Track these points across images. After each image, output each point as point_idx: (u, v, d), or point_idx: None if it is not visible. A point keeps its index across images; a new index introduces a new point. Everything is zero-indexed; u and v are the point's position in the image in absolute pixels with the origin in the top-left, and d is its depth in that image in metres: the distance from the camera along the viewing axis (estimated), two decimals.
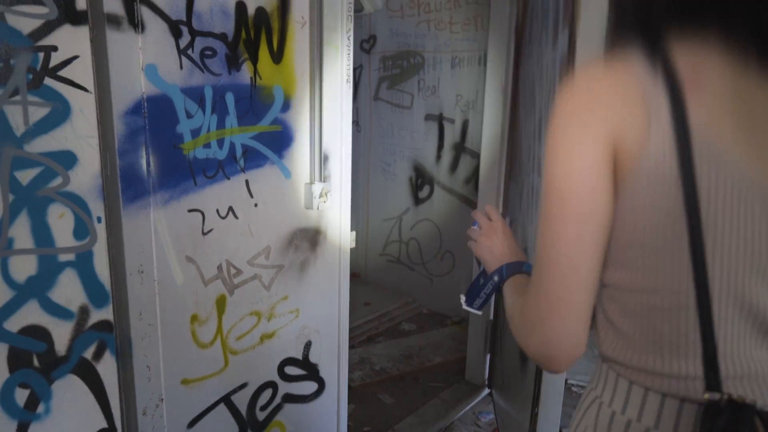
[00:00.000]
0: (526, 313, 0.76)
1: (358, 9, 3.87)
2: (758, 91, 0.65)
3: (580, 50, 1.66)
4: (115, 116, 1.25)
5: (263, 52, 1.56)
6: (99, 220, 1.24)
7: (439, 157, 3.90)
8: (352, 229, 1.98)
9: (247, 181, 1.59)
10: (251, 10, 1.50)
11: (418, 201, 4.08)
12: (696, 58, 0.66)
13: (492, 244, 1.03)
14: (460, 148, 3.78)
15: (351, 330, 3.60)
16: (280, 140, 1.66)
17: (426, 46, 3.83)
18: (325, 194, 1.79)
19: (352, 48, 1.81)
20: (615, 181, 0.68)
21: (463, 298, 1.10)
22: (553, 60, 1.94)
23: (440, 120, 3.84)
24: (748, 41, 0.64)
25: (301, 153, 1.73)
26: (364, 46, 4.18)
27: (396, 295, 4.15)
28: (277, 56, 1.60)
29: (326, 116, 1.76)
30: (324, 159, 1.79)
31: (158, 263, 1.40)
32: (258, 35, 1.54)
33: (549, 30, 2.03)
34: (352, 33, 1.79)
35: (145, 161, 1.33)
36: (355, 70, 4.25)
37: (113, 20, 1.21)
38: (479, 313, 1.11)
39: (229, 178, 1.54)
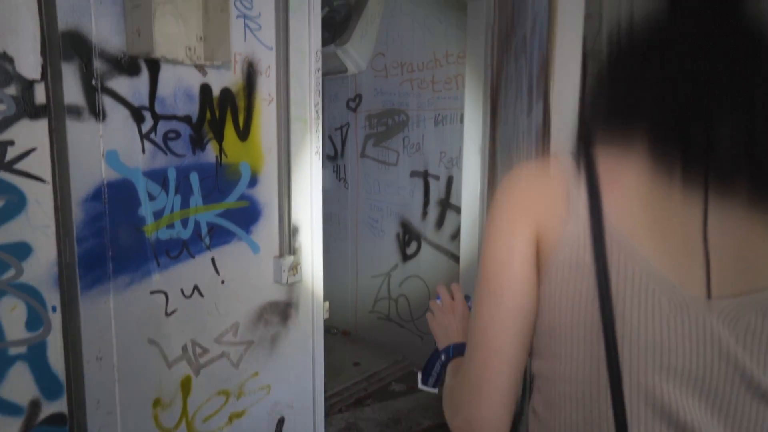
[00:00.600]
0: (454, 392, 0.78)
1: (342, 70, 3.96)
2: (678, 201, 0.66)
3: (554, 124, 1.67)
4: (74, 204, 1.25)
5: (229, 131, 1.58)
6: (54, 309, 1.22)
7: (425, 213, 3.90)
8: (324, 299, 1.96)
9: (213, 259, 1.58)
10: (216, 92, 1.53)
11: (406, 257, 4.06)
12: (616, 161, 0.70)
13: (448, 322, 1.04)
14: (445, 204, 3.79)
15: (339, 393, 3.52)
16: (248, 215, 1.66)
17: (410, 104, 3.90)
18: (295, 267, 1.77)
19: (321, 121, 1.84)
20: (538, 269, 0.72)
21: (419, 376, 1.09)
22: (528, 129, 1.96)
23: (425, 176, 3.87)
24: (673, 155, 0.66)
25: (269, 227, 1.73)
26: (350, 104, 4.25)
27: (386, 353, 4.07)
28: (244, 133, 1.62)
29: (295, 189, 1.77)
30: (294, 231, 1.79)
31: (118, 348, 1.38)
32: (223, 115, 1.56)
33: (524, 98, 2.06)
34: (320, 107, 1.83)
35: (105, 246, 1.32)
36: (341, 127, 4.32)
37: (74, 111, 1.23)
38: (434, 391, 1.09)
39: (194, 257, 1.53)
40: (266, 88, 1.66)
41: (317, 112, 1.82)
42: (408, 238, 4.02)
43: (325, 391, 3.48)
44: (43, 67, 1.16)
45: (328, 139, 4.41)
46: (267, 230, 1.72)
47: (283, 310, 1.80)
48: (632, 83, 0.69)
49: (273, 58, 1.67)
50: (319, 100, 1.82)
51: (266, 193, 1.71)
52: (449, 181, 3.74)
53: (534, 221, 0.71)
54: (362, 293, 4.36)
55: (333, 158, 4.40)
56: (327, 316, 1.96)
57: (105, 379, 1.35)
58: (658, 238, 0.66)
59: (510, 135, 2.27)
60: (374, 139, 4.14)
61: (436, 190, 3.82)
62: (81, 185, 1.26)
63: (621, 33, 0.72)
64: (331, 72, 4.03)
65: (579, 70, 1.53)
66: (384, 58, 3.98)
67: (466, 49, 2.82)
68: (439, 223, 3.84)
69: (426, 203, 3.89)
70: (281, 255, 1.76)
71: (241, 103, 1.60)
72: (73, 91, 1.22)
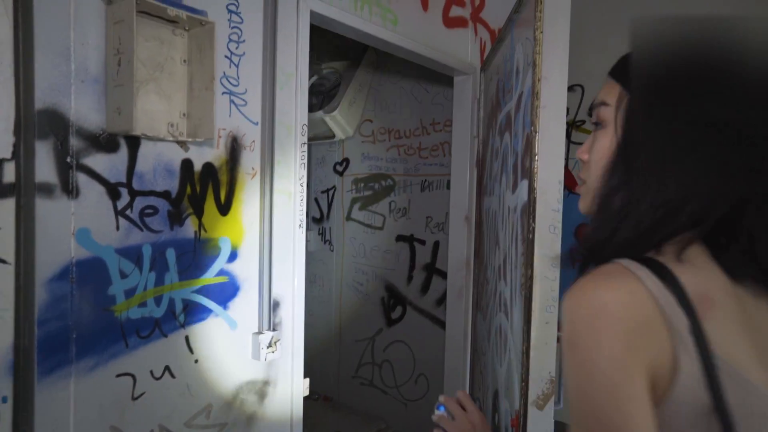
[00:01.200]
0: None
1: (329, 135, 3.99)
2: (764, 313, 0.62)
3: (539, 211, 1.64)
4: (37, 285, 1.19)
5: (209, 205, 1.55)
6: (5, 399, 1.14)
7: (410, 277, 3.85)
8: (305, 375, 1.87)
9: (186, 337, 1.51)
10: (198, 166, 1.51)
11: (390, 322, 3.97)
12: (703, 281, 0.63)
13: None
14: (431, 269, 3.75)
15: None
16: (226, 291, 1.61)
17: (396, 169, 3.92)
18: (275, 343, 1.70)
19: (305, 194, 1.81)
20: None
21: None
22: (515, 207, 1.94)
23: (411, 241, 3.85)
24: (757, 271, 0.61)
25: (248, 302, 1.67)
26: (337, 168, 4.27)
27: (369, 421, 3.92)
28: (225, 208, 1.59)
29: (276, 263, 1.72)
30: (274, 306, 1.73)
31: None
32: (204, 189, 1.53)
33: (509, 174, 2.06)
34: (305, 180, 1.81)
35: (69, 328, 1.26)
36: (328, 191, 4.32)
37: (45, 189, 1.20)
38: None
39: (166, 336, 1.47)
40: (250, 162, 1.65)
41: (302, 185, 1.81)
42: (393, 302, 3.95)
43: None
44: (15, 146, 1.13)
45: (314, 201, 4.40)
46: (245, 305, 1.66)
47: (260, 389, 1.72)
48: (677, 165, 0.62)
49: (258, 133, 1.66)
50: (304, 173, 1.81)
51: (246, 267, 1.66)
52: (435, 246, 3.72)
53: (644, 357, 0.60)
54: (345, 358, 4.24)
55: (319, 221, 4.38)
56: (307, 393, 1.88)
57: None
58: (761, 364, 0.60)
59: (496, 207, 2.26)
60: (360, 203, 4.14)
61: (423, 255, 3.79)
62: (47, 265, 1.21)
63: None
64: (319, 137, 4.08)
65: (563, 152, 1.54)
66: (372, 125, 4.04)
67: (452, 120, 2.86)
68: (425, 288, 3.79)
69: (412, 267, 3.85)
70: (260, 331, 1.69)
71: (223, 178, 1.58)
72: (45, 169, 1.19)
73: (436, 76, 3.28)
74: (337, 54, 4.00)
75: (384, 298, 4.00)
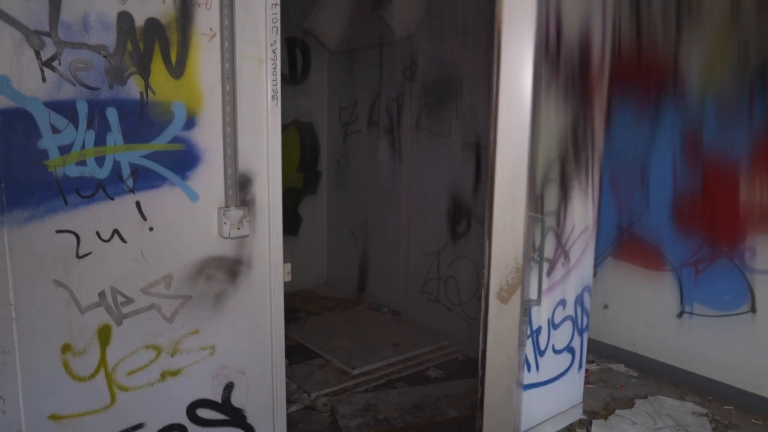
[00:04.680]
0: None
1: (389, 35, 3.74)
2: None
3: None
4: None
5: (158, 66, 1.46)
6: None
7: (476, 188, 3.59)
8: (286, 261, 1.79)
9: (138, 203, 1.48)
10: (139, 21, 1.42)
11: (455, 236, 3.77)
12: None
13: None
14: None
15: (368, 372, 3.36)
16: (183, 160, 1.54)
17: (464, 70, 3.59)
18: (242, 220, 1.63)
19: (278, 62, 1.66)
20: None
21: None
22: None
23: (477, 149, 3.55)
24: None
25: (212, 174, 1.59)
26: (406, 73, 4.02)
27: (432, 337, 3.84)
28: (177, 70, 1.49)
29: (244, 135, 1.62)
30: (244, 182, 1.64)
31: (15, 286, 1.32)
32: (149, 47, 1.44)
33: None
34: (278, 46, 1.65)
35: None
36: (397, 98, 4.11)
37: None
38: None
39: (112, 199, 1.44)
40: (206, 21, 1.52)
41: (274, 51, 1.65)
42: (458, 215, 3.73)
43: (353, 368, 3.34)
44: None
45: (384, 110, 4.22)
46: (208, 178, 1.59)
47: (231, 267, 1.67)
48: None
49: None
50: (277, 38, 1.65)
51: (207, 137, 1.57)
52: None
53: None
54: (413, 272, 4.15)
55: (389, 130, 4.21)
56: (289, 278, 1.80)
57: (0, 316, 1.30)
58: None
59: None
60: (427, 110, 3.89)
61: (488, 164, 3.49)
62: None
63: None
64: (382, 38, 3.84)
65: None
66: (440, 22, 3.70)
67: None
68: None
69: (477, 178, 3.58)
70: (227, 206, 1.62)
71: (173, 37, 1.47)
72: None
73: None
74: None
75: (449, 210, 3.79)
